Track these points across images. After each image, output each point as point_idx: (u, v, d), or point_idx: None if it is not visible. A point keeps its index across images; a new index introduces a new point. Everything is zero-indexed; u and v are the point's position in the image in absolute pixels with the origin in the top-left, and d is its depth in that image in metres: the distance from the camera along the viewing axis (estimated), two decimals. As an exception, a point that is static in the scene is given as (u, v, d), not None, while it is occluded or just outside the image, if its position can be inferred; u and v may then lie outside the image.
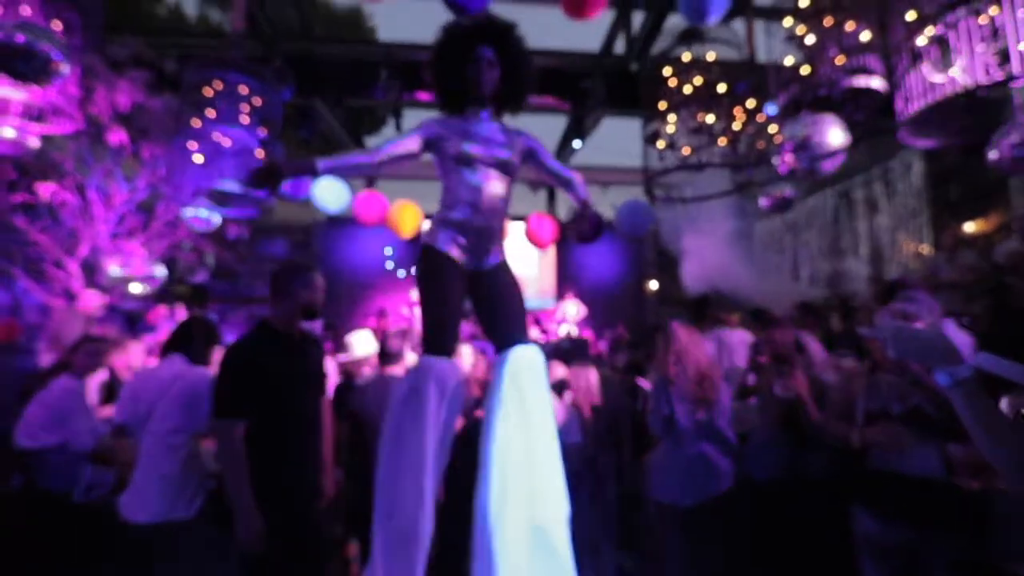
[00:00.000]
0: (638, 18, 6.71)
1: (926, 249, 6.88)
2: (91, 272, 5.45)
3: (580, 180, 2.07)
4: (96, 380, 3.50)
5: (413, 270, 1.85)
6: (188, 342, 2.63)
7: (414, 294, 10.04)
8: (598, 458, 3.63)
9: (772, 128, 4.54)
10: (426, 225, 1.86)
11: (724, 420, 2.73)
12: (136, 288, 5.60)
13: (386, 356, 3.02)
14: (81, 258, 5.35)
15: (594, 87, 6.28)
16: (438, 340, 1.71)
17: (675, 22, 5.34)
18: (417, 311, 1.82)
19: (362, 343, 3.65)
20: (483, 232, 1.80)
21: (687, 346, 2.74)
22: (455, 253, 1.78)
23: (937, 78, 3.08)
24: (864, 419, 2.13)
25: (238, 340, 2.22)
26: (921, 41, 2.79)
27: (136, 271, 5.53)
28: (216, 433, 2.13)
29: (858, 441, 1.95)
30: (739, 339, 3.56)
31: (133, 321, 5.60)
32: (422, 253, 1.80)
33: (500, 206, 1.84)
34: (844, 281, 8.41)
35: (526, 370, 1.69)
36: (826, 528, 2.36)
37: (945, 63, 2.95)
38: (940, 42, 2.82)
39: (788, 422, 2.67)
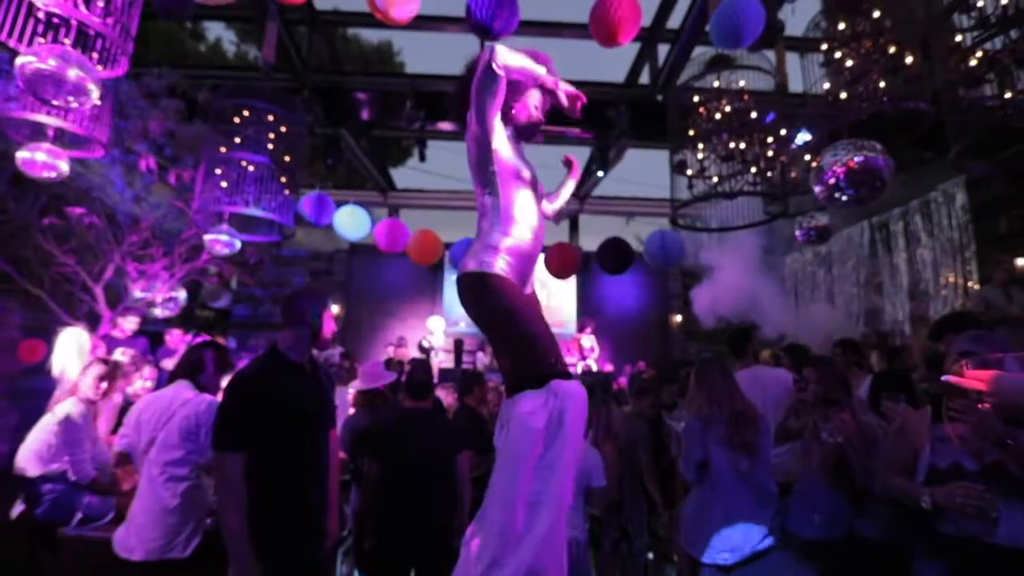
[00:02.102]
0: (663, 50, 6.72)
1: (973, 284, 6.50)
2: (114, 295, 5.52)
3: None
4: (110, 405, 3.45)
5: (474, 304, 1.60)
6: (197, 368, 2.54)
7: (429, 326, 9.97)
8: (623, 504, 3.38)
9: (806, 157, 4.38)
10: (480, 254, 1.60)
11: (765, 467, 2.49)
12: (157, 312, 5.64)
13: (415, 389, 2.88)
14: (105, 281, 5.43)
15: (619, 117, 6.24)
16: (554, 361, 1.50)
17: (700, 51, 5.31)
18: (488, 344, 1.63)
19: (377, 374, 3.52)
20: (531, 258, 1.66)
21: (723, 385, 2.52)
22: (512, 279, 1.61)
23: (990, 102, 2.90)
24: (928, 475, 1.88)
25: (244, 367, 2.11)
26: (973, 63, 2.64)
27: (158, 295, 5.58)
28: (215, 465, 1.99)
29: (930, 503, 1.70)
30: (775, 377, 3.31)
31: (153, 344, 5.61)
32: (486, 282, 1.56)
33: (544, 232, 1.72)
34: (882, 317, 8.01)
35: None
36: (887, 598, 2.08)
37: (1000, 86, 2.77)
38: (993, 64, 2.66)
39: (836, 472, 2.41)
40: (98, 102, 3.23)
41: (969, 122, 2.75)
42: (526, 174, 1.68)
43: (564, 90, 1.69)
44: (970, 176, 6.53)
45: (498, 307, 1.53)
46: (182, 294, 5.90)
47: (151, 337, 5.81)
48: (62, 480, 2.60)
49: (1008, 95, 2.75)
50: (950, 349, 2.21)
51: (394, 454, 2.64)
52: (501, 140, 1.63)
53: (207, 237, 4.64)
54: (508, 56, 1.53)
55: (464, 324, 10.40)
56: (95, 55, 2.98)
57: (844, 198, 2.94)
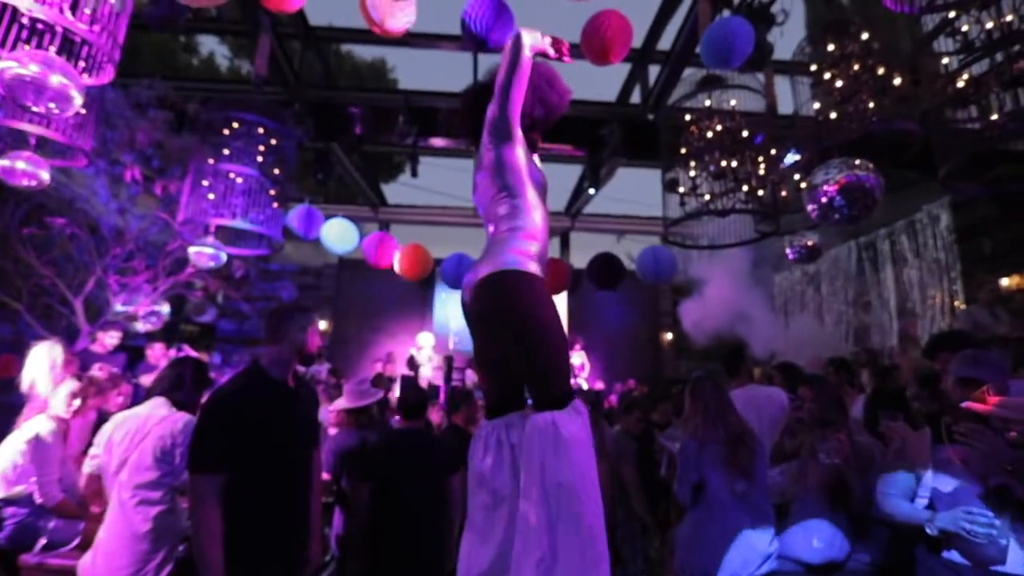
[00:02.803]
0: (653, 71, 6.82)
1: (959, 304, 6.58)
2: (95, 309, 5.37)
3: None
4: (84, 422, 3.30)
5: (508, 303, 1.43)
6: (175, 384, 2.43)
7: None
8: (616, 527, 3.28)
9: (795, 176, 4.42)
10: (512, 256, 1.47)
11: (762, 489, 2.43)
12: (139, 326, 5.50)
13: (410, 409, 2.78)
14: (86, 294, 5.29)
15: (610, 135, 6.28)
16: (569, 381, 1.44)
17: (690, 72, 5.39)
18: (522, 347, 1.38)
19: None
20: (545, 265, 1.60)
21: (719, 404, 2.47)
22: None
23: (971, 124, 2.94)
24: (932, 499, 1.83)
25: (223, 384, 2.01)
26: (960, 84, 2.68)
27: (140, 308, 5.44)
28: (189, 488, 1.89)
29: (936, 529, 1.65)
30: (770, 396, 3.26)
31: (133, 359, 5.44)
32: (527, 283, 1.43)
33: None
34: (870, 335, 8.07)
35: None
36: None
37: (981, 109, 2.82)
38: (979, 86, 2.70)
39: (834, 494, 2.36)
40: (82, 110, 3.17)
41: (958, 143, 2.78)
42: (538, 177, 1.63)
43: (552, 44, 1.65)
44: (954, 198, 6.65)
45: (538, 313, 1.40)
46: (165, 308, 5.76)
47: (132, 352, 5.65)
48: (27, 503, 2.46)
49: (994, 117, 2.78)
50: (946, 367, 2.19)
51: (386, 475, 2.55)
52: (521, 140, 1.56)
53: (192, 250, 4.54)
54: (530, 36, 1.52)
55: (457, 339, 10.32)
56: (81, 63, 2.93)
57: (837, 216, 2.95)
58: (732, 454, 2.37)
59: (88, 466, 2.32)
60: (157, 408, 2.30)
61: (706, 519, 2.38)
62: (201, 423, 1.88)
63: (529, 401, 1.51)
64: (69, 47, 2.80)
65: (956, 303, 6.72)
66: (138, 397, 3.66)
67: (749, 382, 3.29)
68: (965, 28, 2.81)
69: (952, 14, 2.82)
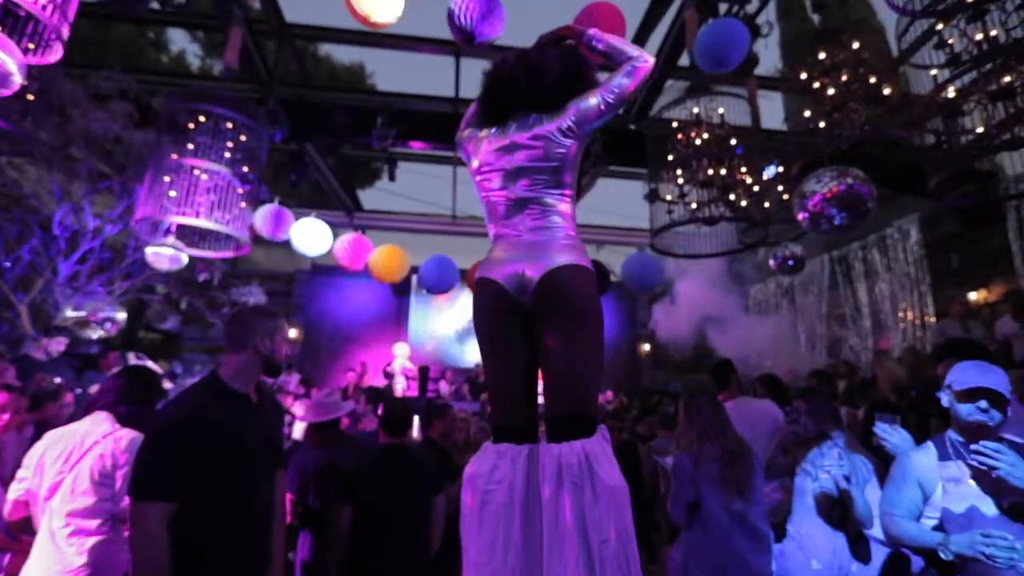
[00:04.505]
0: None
1: (929, 317, 6.72)
2: (41, 314, 4.98)
3: None
4: (18, 438, 2.98)
5: (585, 298, 1.35)
6: (120, 397, 2.17)
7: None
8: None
9: (779, 188, 4.42)
10: (579, 254, 1.41)
11: (759, 508, 2.31)
12: (91, 333, 5.12)
13: (394, 424, 2.58)
14: (32, 297, 4.90)
15: (592, 144, 6.24)
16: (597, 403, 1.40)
17: (670, 84, 5.38)
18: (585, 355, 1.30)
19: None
20: None
21: (715, 420, 2.35)
22: None
23: (954, 138, 2.95)
24: (943, 520, 1.74)
25: (176, 397, 1.78)
26: (951, 94, 2.68)
27: (94, 313, 5.07)
28: (131, 517, 1.64)
29: (951, 554, 1.55)
30: (762, 410, 3.17)
31: (82, 368, 5.04)
32: (596, 279, 1.43)
33: None
34: (843, 347, 8.19)
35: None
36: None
37: (946, 121, 2.83)
38: (965, 97, 2.70)
39: (832, 512, 2.26)
40: (30, 96, 2.90)
41: (948, 154, 2.78)
42: None
43: None
44: (924, 213, 6.83)
45: (602, 324, 1.36)
46: (121, 314, 5.38)
47: (85, 360, 5.24)
48: (-57, 533, 2.16)
49: (980, 129, 2.79)
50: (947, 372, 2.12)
51: (370, 496, 2.34)
52: None
53: (149, 250, 4.22)
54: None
55: (432, 347, 10.08)
56: (30, 44, 2.67)
57: (827, 225, 2.91)
58: (729, 471, 2.26)
59: (14, 490, 2.04)
60: (98, 424, 2.04)
61: (702, 540, 2.25)
62: (148, 442, 1.64)
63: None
64: (13, 22, 2.55)
65: (926, 316, 6.87)
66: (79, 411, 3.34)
67: (739, 395, 3.20)
68: (952, 41, 2.82)
69: (940, 26, 2.82)
